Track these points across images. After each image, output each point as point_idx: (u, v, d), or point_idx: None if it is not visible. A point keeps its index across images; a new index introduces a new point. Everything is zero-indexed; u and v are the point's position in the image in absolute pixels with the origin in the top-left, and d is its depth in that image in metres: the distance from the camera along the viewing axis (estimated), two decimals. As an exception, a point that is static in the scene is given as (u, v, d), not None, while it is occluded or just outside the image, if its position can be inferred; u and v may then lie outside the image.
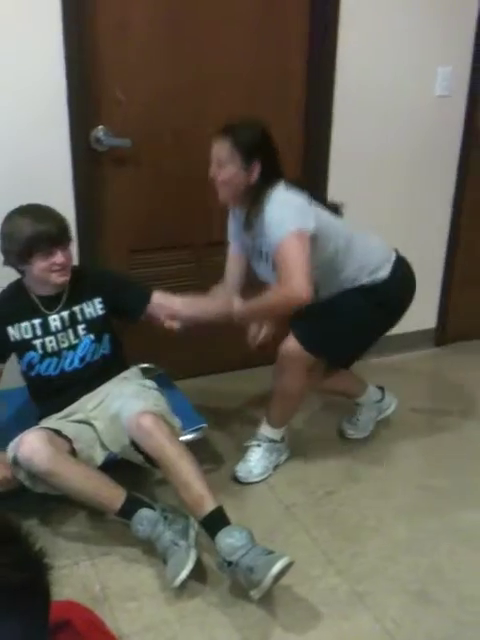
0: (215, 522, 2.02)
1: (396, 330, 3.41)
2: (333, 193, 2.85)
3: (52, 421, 2.26)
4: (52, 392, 2.33)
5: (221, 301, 2.36)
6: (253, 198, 2.26)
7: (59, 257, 2.21)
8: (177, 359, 2.88)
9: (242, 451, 2.59)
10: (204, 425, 2.48)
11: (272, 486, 2.52)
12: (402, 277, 2.47)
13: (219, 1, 2.70)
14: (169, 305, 2.37)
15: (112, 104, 2.67)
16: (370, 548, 2.23)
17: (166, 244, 2.95)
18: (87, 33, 2.53)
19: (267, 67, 2.84)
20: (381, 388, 2.87)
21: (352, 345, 2.51)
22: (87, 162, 2.65)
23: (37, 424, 2.25)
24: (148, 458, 2.17)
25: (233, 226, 2.49)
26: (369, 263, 2.39)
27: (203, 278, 2.87)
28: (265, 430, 2.57)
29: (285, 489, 2.50)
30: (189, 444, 2.25)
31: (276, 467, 2.59)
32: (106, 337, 2.37)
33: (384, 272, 2.40)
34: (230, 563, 1.94)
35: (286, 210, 2.20)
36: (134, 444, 2.17)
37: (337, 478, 2.57)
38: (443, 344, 3.62)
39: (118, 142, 2.69)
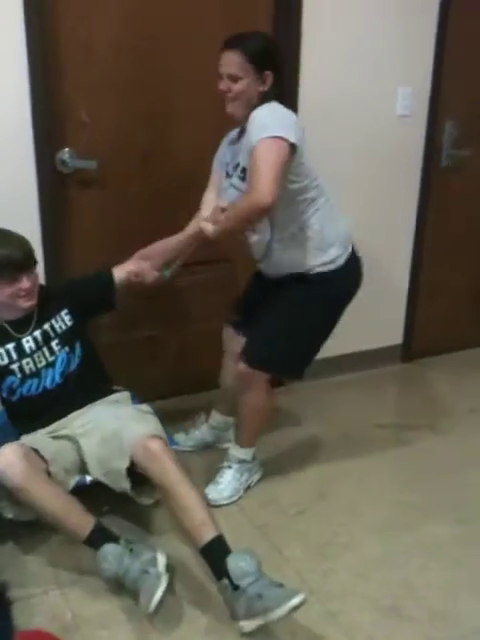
0: (215, 550, 2.00)
1: (362, 346, 3.47)
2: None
3: (33, 436, 2.25)
4: (36, 411, 2.31)
5: (188, 230, 2.47)
6: (255, 109, 2.18)
7: (25, 283, 2.20)
8: (147, 380, 2.86)
9: (214, 473, 2.58)
10: (174, 447, 2.47)
11: (243, 508, 2.51)
12: (352, 273, 2.44)
13: (184, 21, 2.72)
14: (138, 270, 2.46)
15: (77, 126, 2.66)
16: (341, 565, 2.24)
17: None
18: (51, 55, 2.53)
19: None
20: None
21: (298, 352, 2.44)
22: (53, 184, 2.64)
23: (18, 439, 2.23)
24: (135, 486, 2.17)
25: (221, 151, 2.45)
26: (330, 235, 2.34)
27: (177, 298, 2.88)
28: (235, 451, 2.56)
29: (256, 510, 2.50)
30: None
31: (248, 488, 2.58)
32: (78, 344, 2.36)
33: (340, 260, 2.36)
34: (236, 588, 1.90)
35: (273, 116, 2.14)
36: (129, 467, 2.15)
37: (308, 496, 2.57)
38: (409, 360, 3.66)
39: (83, 164, 2.68)
